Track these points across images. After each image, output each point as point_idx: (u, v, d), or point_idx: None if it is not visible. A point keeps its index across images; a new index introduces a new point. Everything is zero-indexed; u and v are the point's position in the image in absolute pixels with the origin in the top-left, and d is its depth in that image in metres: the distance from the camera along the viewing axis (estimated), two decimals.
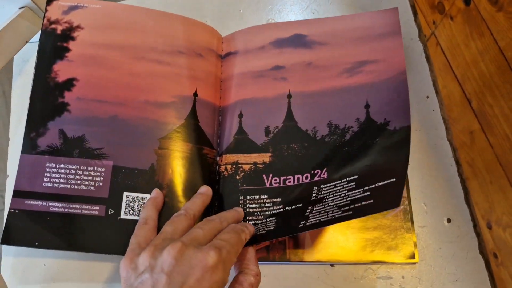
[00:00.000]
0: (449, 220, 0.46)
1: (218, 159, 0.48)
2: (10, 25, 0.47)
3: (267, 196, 0.45)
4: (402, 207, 0.45)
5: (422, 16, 0.96)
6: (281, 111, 0.48)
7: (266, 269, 0.45)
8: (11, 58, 0.49)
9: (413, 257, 0.43)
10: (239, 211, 0.44)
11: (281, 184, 0.45)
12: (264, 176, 0.46)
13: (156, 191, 0.45)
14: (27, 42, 0.50)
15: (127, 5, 0.52)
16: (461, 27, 0.93)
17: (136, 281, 0.34)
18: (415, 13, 0.54)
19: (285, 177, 0.45)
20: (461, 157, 0.49)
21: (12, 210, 0.44)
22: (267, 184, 0.45)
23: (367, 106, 0.46)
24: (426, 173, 0.47)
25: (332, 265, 0.44)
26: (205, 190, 0.45)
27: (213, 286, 0.33)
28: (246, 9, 0.57)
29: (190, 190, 0.46)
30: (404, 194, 0.46)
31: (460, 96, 0.95)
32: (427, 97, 0.51)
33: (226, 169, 0.47)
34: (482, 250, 0.44)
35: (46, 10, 0.50)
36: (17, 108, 0.53)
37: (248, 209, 0.45)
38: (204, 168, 0.47)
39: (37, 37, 0.50)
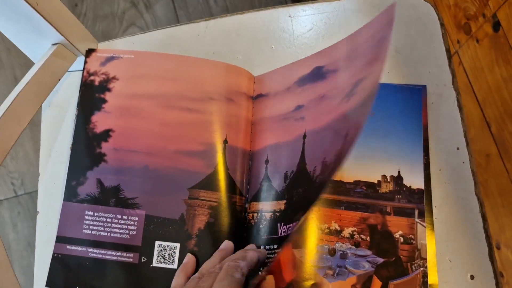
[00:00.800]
0: (472, 277, 0.47)
1: (247, 206, 0.49)
2: (46, 65, 0.46)
3: (277, 246, 0.45)
4: (421, 269, 0.46)
5: (447, 35, 0.93)
6: (297, 154, 0.47)
7: None
8: (45, 99, 0.48)
9: None
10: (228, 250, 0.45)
11: (287, 233, 0.45)
12: (278, 224, 0.46)
13: (188, 257, 0.46)
14: (59, 80, 0.49)
15: (159, 53, 0.50)
16: (487, 51, 0.90)
17: None
18: (449, 57, 0.53)
19: (290, 225, 0.45)
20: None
21: (55, 255, 0.47)
22: (279, 233, 0.45)
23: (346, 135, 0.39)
24: (453, 227, 0.49)
25: None
26: (225, 246, 0.46)
27: None
28: (278, 45, 0.55)
29: (220, 240, 0.47)
30: (424, 255, 0.47)
31: (479, 118, 0.94)
32: (457, 148, 0.51)
33: (253, 217, 0.48)
34: None
35: (85, 62, 0.51)
36: (46, 141, 0.52)
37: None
38: (233, 216, 0.48)
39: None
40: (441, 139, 0.51)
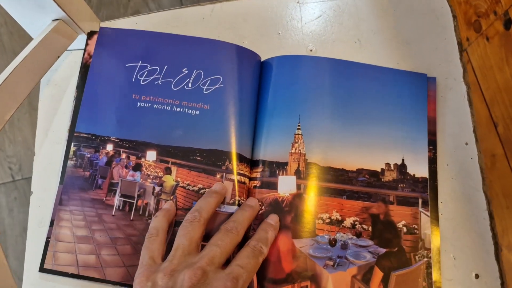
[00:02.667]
0: (477, 276, 0.46)
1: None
2: (45, 40, 0.44)
3: None
4: (425, 259, 0.45)
5: (459, 27, 0.91)
6: None
7: None
8: (43, 75, 0.46)
9: None
10: (255, 207, 0.44)
11: None
12: None
13: (169, 203, 0.45)
14: (58, 57, 0.48)
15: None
16: (497, 50, 0.88)
17: None
18: (461, 51, 0.51)
19: None
20: None
21: (49, 239, 0.45)
22: None
23: None
24: (458, 224, 0.47)
25: None
26: (220, 189, 0.45)
27: None
28: (285, 31, 0.53)
29: None
30: (428, 246, 0.46)
31: (486, 117, 0.93)
32: (466, 144, 0.49)
33: None
34: None
35: (87, 44, 0.49)
36: (43, 121, 0.51)
37: None
38: None
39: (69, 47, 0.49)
40: (449, 134, 0.49)
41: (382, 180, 0.47)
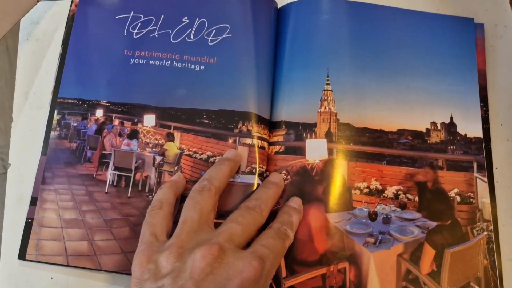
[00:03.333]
0: None
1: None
2: None
3: None
4: (485, 233, 0.38)
5: None
6: None
7: None
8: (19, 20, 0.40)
9: None
10: (279, 184, 0.37)
11: None
12: None
13: (178, 175, 0.37)
14: (38, 1, 0.41)
15: None
16: None
17: (154, 285, 0.27)
18: None
19: None
20: None
21: (29, 220, 0.38)
22: None
23: None
24: None
25: None
26: (233, 155, 0.37)
27: None
28: None
29: None
30: (488, 217, 0.38)
31: None
32: None
33: None
34: None
35: None
36: (22, 81, 0.43)
37: None
38: None
39: None
40: (502, 89, 0.42)
41: (428, 142, 0.40)
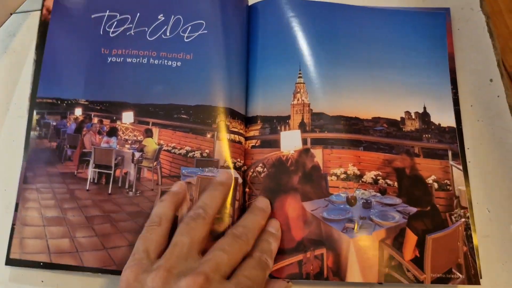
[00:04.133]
0: None
1: None
2: None
3: None
4: (463, 220, 0.38)
5: None
6: None
7: None
8: None
9: (476, 279, 0.37)
10: (266, 210, 0.37)
11: None
12: None
13: (179, 184, 0.38)
14: (11, 14, 0.41)
15: None
16: None
17: None
18: None
19: None
20: None
21: (14, 226, 0.38)
22: None
23: None
24: (490, 172, 0.41)
25: (380, 283, 0.38)
26: (226, 178, 0.38)
27: None
28: None
29: None
30: (464, 204, 0.39)
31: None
32: (491, 80, 0.43)
33: None
34: None
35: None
36: (2, 93, 0.44)
37: None
38: None
39: (23, 8, 0.41)
40: (471, 71, 0.43)
41: (403, 130, 0.41)
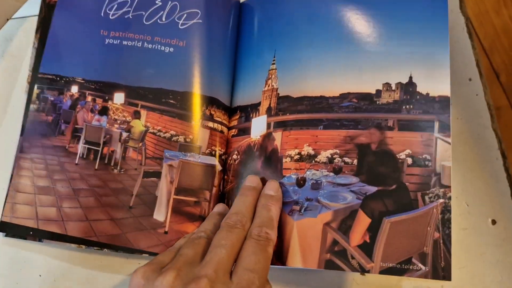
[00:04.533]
0: (493, 222, 0.40)
1: None
2: None
3: None
4: (441, 200, 0.35)
5: None
6: None
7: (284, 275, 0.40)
8: None
9: (446, 274, 0.34)
10: (257, 187, 0.37)
11: None
12: None
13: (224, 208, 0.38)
14: (7, 19, 0.43)
15: None
16: None
17: None
18: None
19: None
20: None
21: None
22: None
23: None
24: (469, 167, 0.42)
25: (363, 273, 0.39)
26: (257, 183, 0.37)
27: None
28: None
29: None
30: (447, 182, 0.35)
31: (487, 68, 0.87)
32: (470, 79, 0.45)
33: None
34: None
35: None
36: (2, 95, 0.46)
37: None
38: None
39: (19, 14, 0.44)
40: (450, 70, 0.45)
41: (378, 102, 0.38)
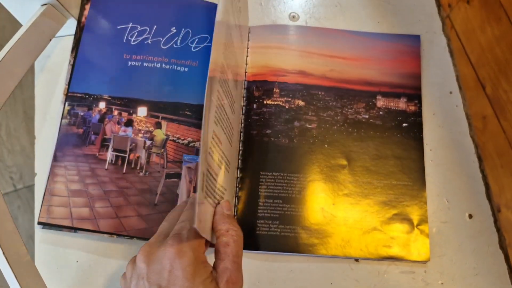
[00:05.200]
0: (470, 216, 0.46)
1: None
2: (35, 24, 0.46)
3: None
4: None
5: None
6: None
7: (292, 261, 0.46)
8: (37, 57, 0.48)
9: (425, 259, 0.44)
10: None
11: None
12: None
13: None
14: (50, 40, 0.49)
15: None
16: (478, 11, 0.91)
17: (132, 283, 0.34)
18: (439, 5, 0.53)
19: None
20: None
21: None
22: None
23: None
24: (449, 169, 0.48)
25: (357, 260, 0.45)
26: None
27: (187, 270, 0.32)
28: (267, 2, 0.56)
29: None
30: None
31: (474, 80, 0.94)
32: (450, 92, 0.50)
33: None
34: (502, 245, 0.45)
35: (83, 9, 0.51)
36: (40, 106, 0.52)
37: None
38: None
39: (59, 33, 0.50)
40: (434, 84, 0.51)
41: None
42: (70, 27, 0.52)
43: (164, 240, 0.33)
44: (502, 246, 0.45)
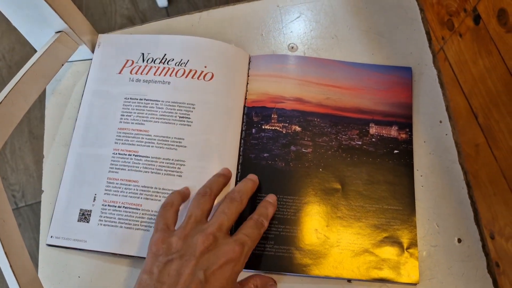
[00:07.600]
0: (459, 240, 0.48)
1: None
2: (49, 50, 0.49)
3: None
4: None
5: (432, 32, 0.99)
6: None
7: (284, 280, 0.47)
8: (49, 80, 0.51)
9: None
10: (255, 181, 0.48)
11: None
12: None
13: (186, 188, 0.48)
14: (62, 65, 0.53)
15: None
16: (470, 44, 0.95)
17: (166, 258, 0.39)
18: (429, 40, 0.56)
19: None
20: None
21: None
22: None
23: None
24: (439, 195, 0.50)
25: (349, 281, 0.46)
26: (227, 172, 0.49)
27: (232, 276, 0.39)
28: (268, 33, 0.59)
29: None
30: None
31: (466, 110, 0.97)
32: (440, 121, 0.53)
33: None
34: (490, 270, 0.47)
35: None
36: (50, 127, 0.55)
37: None
38: None
39: (70, 58, 0.53)
40: (424, 114, 0.53)
41: None
42: (80, 53, 0.55)
43: (229, 240, 0.41)
44: (491, 270, 0.47)
